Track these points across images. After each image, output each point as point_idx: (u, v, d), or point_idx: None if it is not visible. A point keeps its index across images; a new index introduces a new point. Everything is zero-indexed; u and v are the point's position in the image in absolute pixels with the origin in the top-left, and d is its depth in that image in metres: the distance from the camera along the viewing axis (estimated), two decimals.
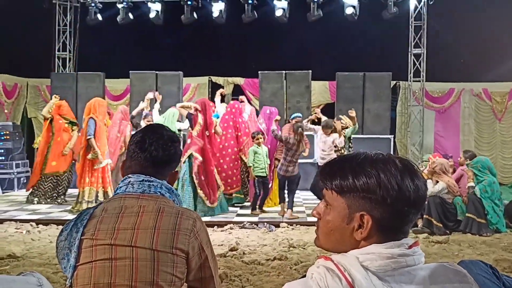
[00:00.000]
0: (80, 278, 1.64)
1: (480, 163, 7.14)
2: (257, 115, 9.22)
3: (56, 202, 8.64)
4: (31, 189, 8.77)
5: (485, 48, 12.57)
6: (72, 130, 8.85)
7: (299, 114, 9.15)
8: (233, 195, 8.62)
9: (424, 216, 6.85)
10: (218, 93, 9.23)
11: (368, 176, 1.11)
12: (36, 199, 8.65)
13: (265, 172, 7.80)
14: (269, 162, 8.00)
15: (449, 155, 10.41)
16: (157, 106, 8.88)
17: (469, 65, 12.75)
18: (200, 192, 7.51)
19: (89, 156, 7.82)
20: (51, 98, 9.17)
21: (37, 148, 9.19)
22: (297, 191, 8.27)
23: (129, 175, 1.78)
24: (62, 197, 8.78)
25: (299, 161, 7.79)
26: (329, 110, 11.47)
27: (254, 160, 7.75)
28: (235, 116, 8.75)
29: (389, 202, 1.09)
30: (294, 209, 7.77)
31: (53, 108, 8.70)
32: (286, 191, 7.76)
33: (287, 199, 7.70)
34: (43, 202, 8.63)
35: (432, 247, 6.02)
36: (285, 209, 7.66)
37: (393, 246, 1.11)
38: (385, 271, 1.09)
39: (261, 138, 7.83)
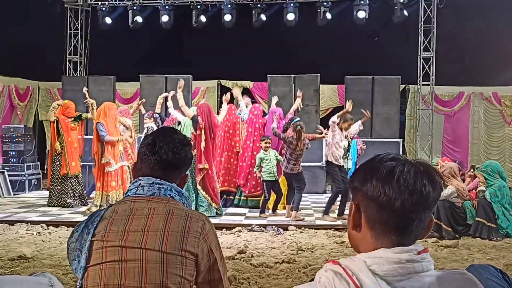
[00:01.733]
0: (91, 279, 1.66)
1: (490, 167, 7.09)
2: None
3: (74, 205, 8.53)
4: (49, 198, 8.71)
5: (495, 52, 12.50)
6: (80, 123, 8.76)
7: (298, 118, 9.15)
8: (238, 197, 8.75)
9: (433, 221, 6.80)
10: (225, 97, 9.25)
11: (361, 172, 1.19)
12: (59, 201, 8.56)
13: (274, 176, 7.79)
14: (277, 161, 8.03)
15: (460, 162, 10.31)
16: (170, 104, 8.93)
17: (479, 68, 12.67)
18: (205, 195, 7.61)
19: (103, 160, 7.91)
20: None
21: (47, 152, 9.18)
22: (305, 194, 8.25)
23: (140, 178, 1.80)
24: (78, 200, 8.68)
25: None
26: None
27: (261, 164, 7.79)
28: (256, 119, 8.89)
29: (370, 195, 1.14)
30: (303, 212, 7.76)
31: (57, 110, 8.61)
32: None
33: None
34: (69, 205, 8.49)
35: (441, 251, 5.98)
36: (290, 211, 7.68)
37: (401, 251, 1.11)
38: (393, 276, 1.09)
39: (269, 143, 7.86)
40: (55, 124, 8.64)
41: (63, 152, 8.55)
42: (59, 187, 8.58)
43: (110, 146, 7.97)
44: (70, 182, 8.59)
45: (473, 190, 7.31)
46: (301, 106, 9.29)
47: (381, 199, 1.12)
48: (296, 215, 7.49)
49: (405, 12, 12.28)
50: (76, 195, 8.69)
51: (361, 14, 12.24)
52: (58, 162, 8.62)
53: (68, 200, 8.52)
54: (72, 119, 8.72)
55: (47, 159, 8.93)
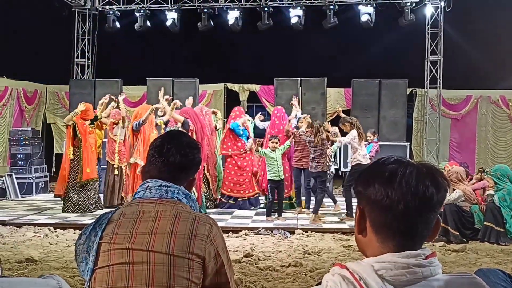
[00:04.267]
0: (98, 281, 1.67)
1: (500, 171, 7.04)
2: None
3: (92, 209, 8.34)
4: (63, 203, 8.43)
5: (503, 55, 12.45)
6: (93, 126, 8.54)
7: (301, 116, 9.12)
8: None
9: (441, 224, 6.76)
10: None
11: (364, 176, 1.18)
12: (72, 208, 8.29)
13: (279, 176, 7.79)
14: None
15: (465, 163, 10.25)
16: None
17: (487, 72, 12.62)
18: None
19: (131, 160, 8.25)
20: (69, 104, 9.12)
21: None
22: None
23: (147, 180, 1.80)
24: (95, 205, 8.48)
25: None
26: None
27: (266, 162, 7.86)
28: (280, 121, 8.92)
29: (373, 199, 1.13)
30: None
31: (77, 115, 8.30)
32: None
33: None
34: (81, 211, 8.24)
35: (449, 256, 5.95)
36: (302, 209, 7.76)
37: (409, 256, 1.10)
38: (400, 281, 1.08)
39: (276, 142, 7.88)
40: (71, 128, 8.28)
41: (79, 158, 8.26)
42: (76, 194, 8.27)
43: (142, 145, 8.12)
44: (88, 188, 8.35)
45: (478, 190, 7.26)
46: (298, 110, 9.28)
47: (384, 202, 1.12)
48: (315, 218, 7.51)
49: (412, 15, 12.26)
50: (93, 200, 8.44)
51: (365, 18, 12.12)
52: (75, 168, 8.28)
53: (86, 206, 8.29)
54: (89, 122, 8.48)
55: (62, 163, 8.67)
